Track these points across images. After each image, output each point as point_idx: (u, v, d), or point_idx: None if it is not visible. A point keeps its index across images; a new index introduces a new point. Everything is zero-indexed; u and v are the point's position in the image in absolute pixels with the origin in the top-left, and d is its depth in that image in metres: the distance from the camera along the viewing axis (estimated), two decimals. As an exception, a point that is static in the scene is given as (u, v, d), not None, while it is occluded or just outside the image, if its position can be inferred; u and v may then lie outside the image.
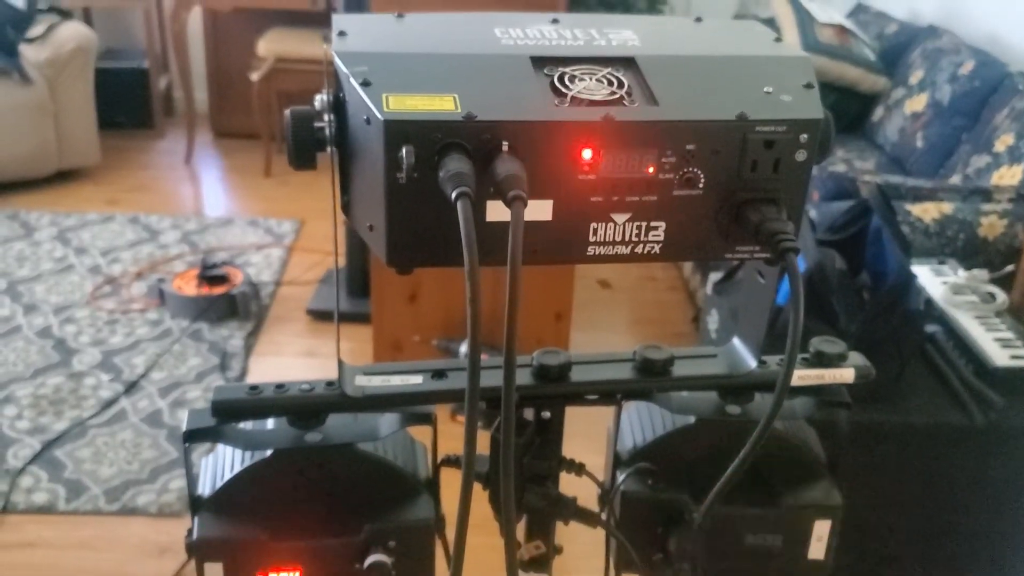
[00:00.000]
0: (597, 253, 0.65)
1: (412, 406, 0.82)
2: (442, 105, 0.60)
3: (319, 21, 4.05)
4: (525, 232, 0.59)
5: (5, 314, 2.99)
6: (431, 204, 0.61)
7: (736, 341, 0.85)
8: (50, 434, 2.45)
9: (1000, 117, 2.86)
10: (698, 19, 0.77)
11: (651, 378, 0.82)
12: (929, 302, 1.93)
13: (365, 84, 0.61)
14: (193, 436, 0.78)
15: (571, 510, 0.83)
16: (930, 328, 1.91)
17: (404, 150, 0.58)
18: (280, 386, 0.79)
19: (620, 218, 0.63)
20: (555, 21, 0.74)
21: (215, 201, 4.05)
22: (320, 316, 3.09)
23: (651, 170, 0.62)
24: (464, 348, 2.57)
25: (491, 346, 2.58)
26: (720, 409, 0.85)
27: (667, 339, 3.14)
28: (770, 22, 3.59)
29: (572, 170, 0.61)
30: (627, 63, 0.66)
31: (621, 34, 0.71)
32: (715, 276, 2.05)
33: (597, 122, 0.61)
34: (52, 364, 2.75)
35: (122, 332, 2.93)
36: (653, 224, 0.64)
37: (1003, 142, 2.80)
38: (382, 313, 2.66)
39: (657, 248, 0.65)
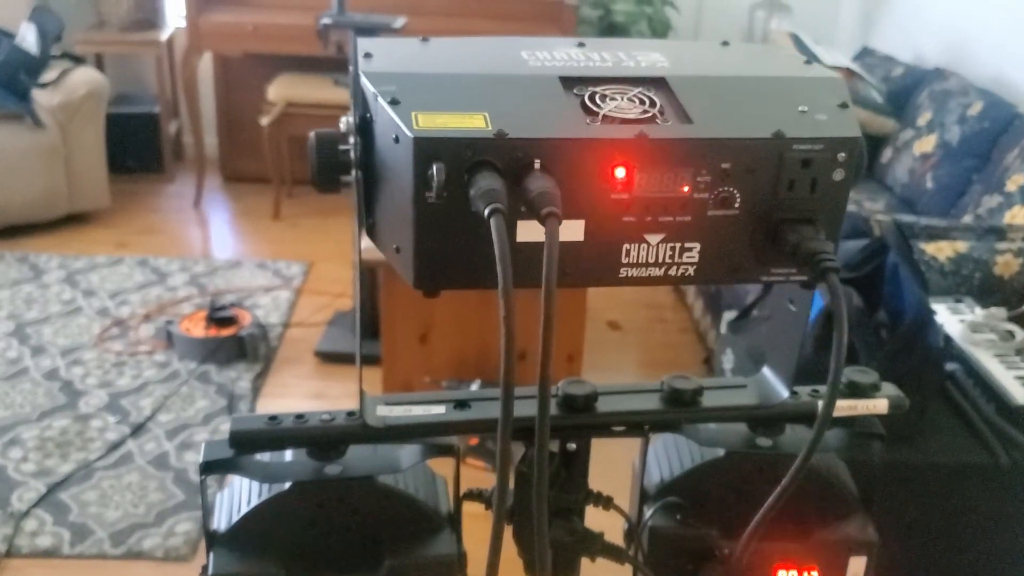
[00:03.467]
0: (629, 275, 0.63)
1: (434, 437, 0.80)
2: (472, 123, 0.59)
3: (328, 67, 4.08)
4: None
5: (13, 356, 2.97)
6: (460, 224, 0.60)
7: (766, 371, 0.83)
8: (56, 477, 2.42)
9: (1011, 157, 2.86)
10: (725, 43, 0.76)
11: (680, 409, 0.80)
12: (948, 340, 1.90)
13: (394, 103, 0.60)
14: (210, 468, 0.76)
15: (598, 546, 0.81)
16: (949, 366, 1.88)
17: (434, 168, 0.57)
18: (300, 416, 0.77)
19: (654, 239, 0.62)
20: (581, 45, 0.73)
21: (224, 244, 4.05)
22: (328, 358, 3.07)
23: (686, 189, 0.60)
24: (475, 388, 2.54)
25: (491, 382, 2.55)
26: (750, 441, 0.83)
27: (679, 381, 3.11)
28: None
29: (605, 189, 0.60)
30: (658, 83, 0.65)
31: (649, 56, 0.70)
32: (729, 315, 2.03)
33: (631, 139, 0.59)
34: (59, 406, 2.73)
35: (129, 374, 2.91)
36: (687, 245, 0.62)
37: (1015, 182, 2.79)
38: (393, 354, 2.64)
39: (691, 270, 0.63)
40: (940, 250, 2.38)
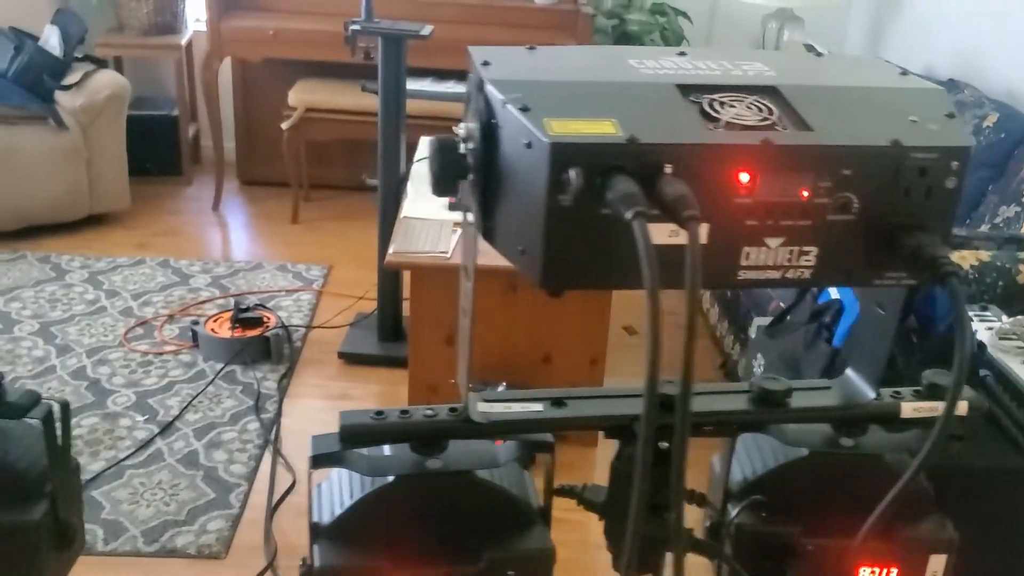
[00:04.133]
0: (747, 278, 0.66)
1: (532, 434, 0.82)
2: (603, 129, 0.61)
3: (348, 72, 4.10)
4: (677, 257, 0.60)
5: (39, 355, 2.99)
6: (589, 226, 0.62)
7: (850, 373, 0.85)
8: (86, 474, 2.44)
9: (1029, 168, 2.89)
10: (819, 54, 0.79)
11: (770, 409, 0.82)
12: (980, 346, 1.93)
13: (524, 109, 0.63)
14: (319, 461, 0.78)
15: (688, 542, 0.83)
16: (980, 372, 1.91)
17: (571, 172, 0.59)
18: (404, 411, 0.80)
19: (774, 242, 0.64)
20: (683, 54, 0.75)
21: (243, 246, 4.07)
22: (351, 359, 3.10)
23: (806, 194, 0.63)
24: (501, 390, 2.57)
25: (525, 388, 2.58)
26: (833, 441, 0.85)
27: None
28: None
29: (729, 193, 0.62)
30: (770, 91, 0.68)
31: (752, 65, 0.73)
32: (760, 320, 2.06)
33: (756, 145, 0.62)
34: (87, 404, 2.75)
35: (156, 373, 2.93)
36: (806, 249, 0.65)
37: (1033, 192, 2.82)
38: (419, 356, 2.66)
39: (807, 273, 0.66)
40: (963, 259, 2.40)
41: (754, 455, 0.88)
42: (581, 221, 0.63)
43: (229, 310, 3.18)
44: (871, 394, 0.82)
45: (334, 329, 3.26)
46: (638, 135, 0.61)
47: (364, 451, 0.82)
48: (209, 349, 3.01)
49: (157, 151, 4.47)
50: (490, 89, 0.66)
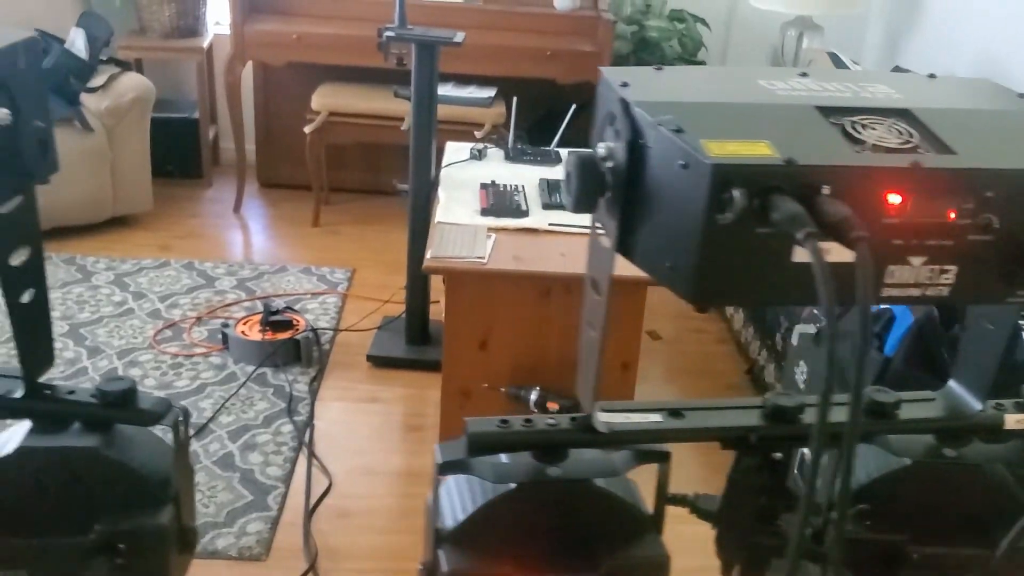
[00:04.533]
0: (890, 295, 0.68)
1: (649, 443, 0.84)
2: (760, 150, 0.64)
3: (370, 77, 4.13)
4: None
5: (70, 356, 3.01)
6: (743, 245, 0.65)
7: (954, 385, 0.87)
8: None
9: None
10: (932, 75, 0.81)
11: (880, 420, 0.84)
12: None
13: (678, 131, 0.65)
14: (447, 468, 0.80)
15: (800, 549, 0.85)
16: None
17: (734, 193, 0.62)
18: (528, 420, 0.82)
19: (917, 261, 0.67)
20: (804, 75, 0.78)
21: (265, 249, 4.08)
22: (380, 362, 3.11)
23: (952, 215, 0.65)
24: (534, 395, 2.59)
25: (557, 393, 2.60)
26: (937, 451, 0.88)
27: (721, 390, 3.16)
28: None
29: (878, 213, 0.65)
30: (903, 114, 0.70)
31: (877, 88, 0.75)
32: (804, 328, 2.08)
33: (906, 168, 0.64)
34: (121, 407, 2.76)
35: (187, 375, 2.95)
36: (946, 267, 0.67)
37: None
38: (453, 360, 2.68)
39: (946, 291, 0.68)
40: None
41: (858, 465, 0.90)
42: (734, 240, 0.65)
43: (258, 313, 3.20)
44: (977, 406, 0.85)
45: (361, 332, 3.28)
46: (795, 157, 0.63)
47: (484, 458, 0.84)
48: (240, 351, 3.03)
49: (177, 153, 4.49)
50: (638, 111, 0.68)
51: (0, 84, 0.71)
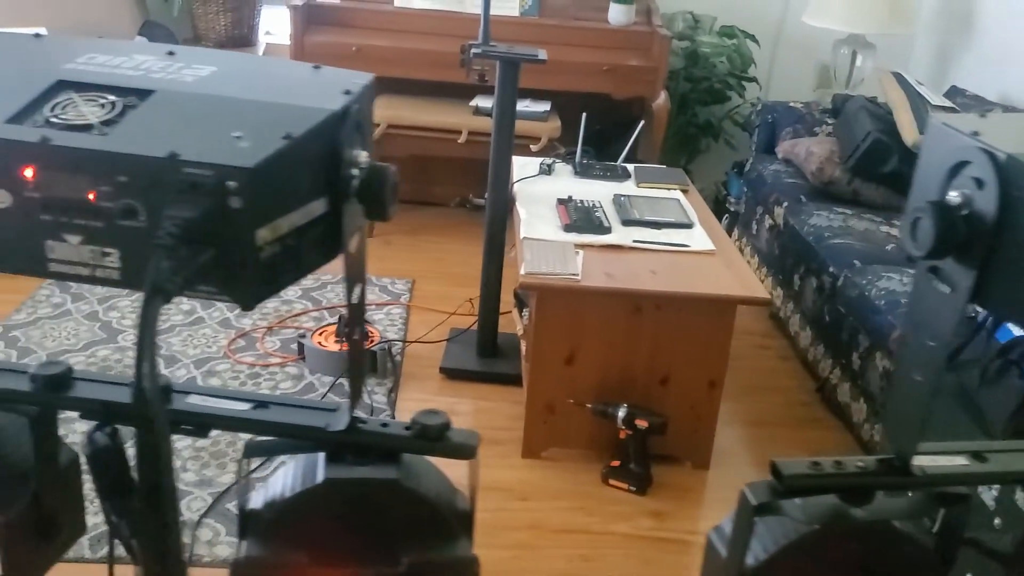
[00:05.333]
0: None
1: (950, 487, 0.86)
2: None
3: (425, 90, 4.17)
4: None
5: (148, 365, 3.02)
6: None
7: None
8: (218, 487, 2.47)
9: None
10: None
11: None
12: None
13: None
14: (761, 510, 0.82)
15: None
16: None
17: None
18: (838, 462, 0.83)
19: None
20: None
21: (322, 259, 4.10)
22: (452, 375, 3.14)
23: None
24: (623, 412, 2.61)
25: (646, 410, 2.62)
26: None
27: (794, 407, 3.19)
28: (880, 105, 3.69)
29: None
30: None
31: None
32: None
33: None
34: (205, 417, 2.78)
35: (266, 386, 2.97)
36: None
37: None
38: (538, 375, 2.70)
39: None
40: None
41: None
42: None
43: (332, 323, 3.22)
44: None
45: (430, 344, 3.31)
46: None
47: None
48: (316, 362, 3.05)
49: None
50: (1013, 162, 0.70)
51: (357, 125, 0.73)
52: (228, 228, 0.71)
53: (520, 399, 2.99)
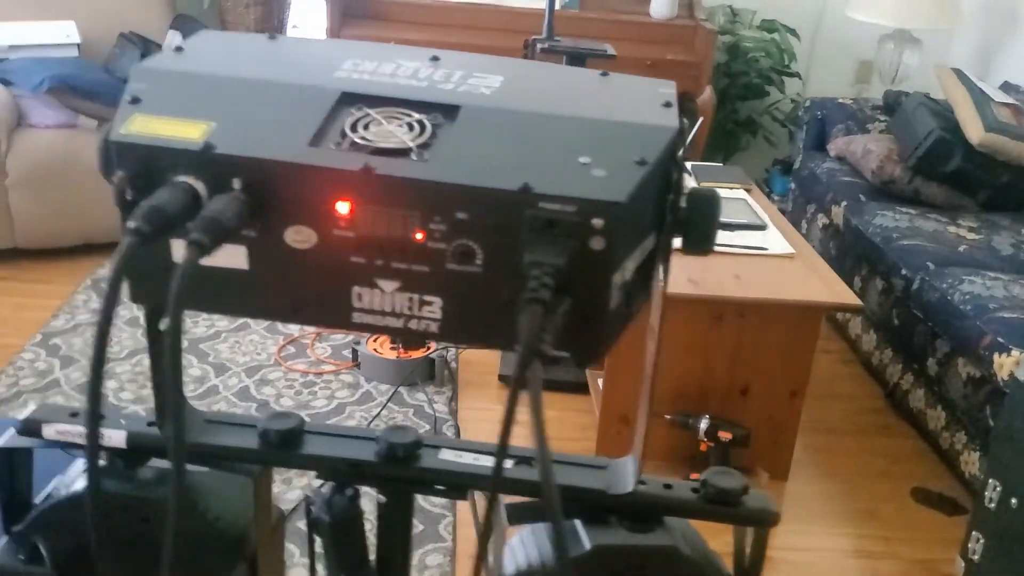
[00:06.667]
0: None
1: None
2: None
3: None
4: None
5: (197, 374, 2.91)
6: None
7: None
8: (284, 504, 2.36)
9: None
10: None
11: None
12: None
13: None
14: None
15: None
16: None
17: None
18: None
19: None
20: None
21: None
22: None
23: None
24: (704, 424, 2.51)
25: (728, 421, 2.52)
26: None
27: (864, 415, 3.10)
28: (938, 101, 3.60)
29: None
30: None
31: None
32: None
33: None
34: (263, 428, 2.67)
35: (322, 395, 2.86)
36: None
37: None
38: (613, 387, 2.60)
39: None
40: None
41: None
42: None
43: (383, 329, 3.11)
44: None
45: (483, 351, 3.20)
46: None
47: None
48: (373, 369, 2.94)
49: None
50: None
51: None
52: (586, 274, 0.59)
53: (585, 407, 2.90)
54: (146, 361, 2.89)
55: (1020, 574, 2.02)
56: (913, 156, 3.42)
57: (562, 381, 3.02)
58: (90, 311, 3.21)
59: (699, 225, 0.63)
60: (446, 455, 0.79)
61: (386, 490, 0.80)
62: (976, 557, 2.16)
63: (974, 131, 3.33)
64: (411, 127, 0.61)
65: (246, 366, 2.97)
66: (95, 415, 0.55)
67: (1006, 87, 3.97)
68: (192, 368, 2.94)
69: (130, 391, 2.76)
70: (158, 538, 0.80)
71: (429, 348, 3.00)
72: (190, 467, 0.79)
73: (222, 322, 3.23)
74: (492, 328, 0.63)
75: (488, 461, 0.79)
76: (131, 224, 0.55)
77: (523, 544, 0.82)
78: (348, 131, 0.61)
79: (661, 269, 0.65)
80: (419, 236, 0.59)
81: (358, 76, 0.66)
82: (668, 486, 0.80)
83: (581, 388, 2.96)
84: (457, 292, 0.61)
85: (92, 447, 0.56)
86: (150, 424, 0.80)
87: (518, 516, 0.80)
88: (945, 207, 3.43)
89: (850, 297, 2.46)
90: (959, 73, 3.55)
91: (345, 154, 0.60)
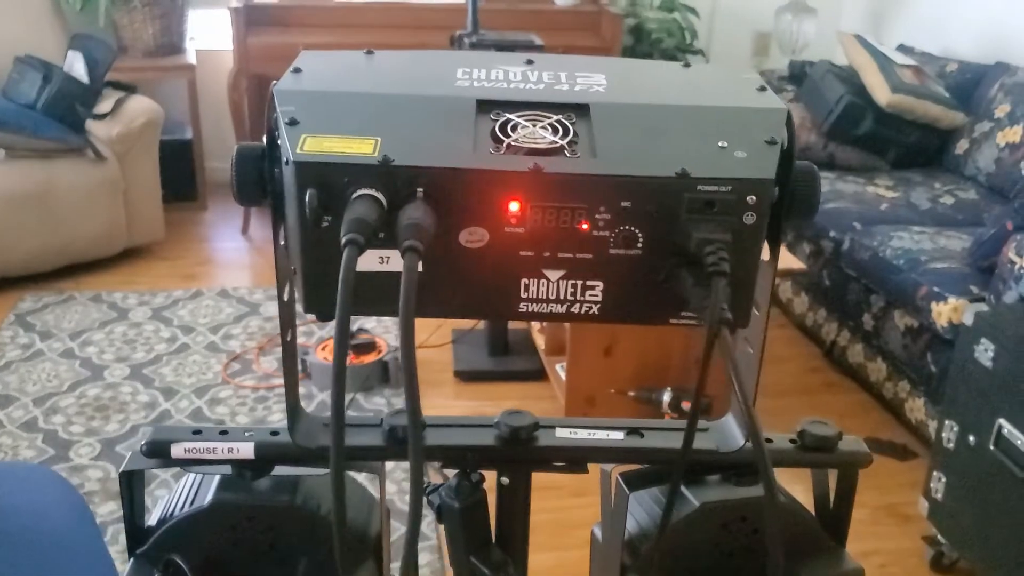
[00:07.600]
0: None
1: None
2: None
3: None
4: None
5: (145, 400, 2.82)
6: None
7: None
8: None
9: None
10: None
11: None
12: None
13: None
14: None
15: None
16: None
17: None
18: None
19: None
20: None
21: (288, 270, 3.92)
22: (467, 377, 3.04)
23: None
24: (667, 396, 2.57)
25: (689, 392, 2.57)
26: None
27: (806, 374, 3.20)
28: (843, 68, 3.74)
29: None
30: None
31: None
32: (976, 307, 2.12)
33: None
34: (225, 449, 2.60)
35: (277, 409, 2.80)
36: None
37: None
38: (577, 368, 2.63)
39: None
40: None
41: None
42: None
43: (329, 338, 3.07)
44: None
45: (434, 348, 3.19)
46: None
47: None
48: (324, 378, 2.90)
49: (171, 177, 4.26)
50: None
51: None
52: (741, 246, 0.63)
53: (547, 394, 2.92)
54: (91, 391, 2.80)
55: (982, 507, 2.13)
56: (826, 122, 3.55)
57: (518, 371, 3.03)
58: (20, 347, 3.07)
59: (808, 196, 0.67)
60: (562, 433, 0.81)
61: (508, 471, 0.81)
62: (939, 496, 2.26)
63: (881, 93, 3.47)
64: (554, 128, 0.65)
65: (194, 387, 2.90)
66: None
67: (903, 49, 4.15)
68: (140, 395, 2.84)
69: (79, 424, 2.66)
70: (285, 545, 0.80)
71: (380, 352, 2.98)
72: (308, 470, 0.79)
73: (160, 345, 3.13)
74: (647, 305, 0.67)
75: (602, 435, 0.81)
76: (348, 236, 0.58)
77: (639, 506, 0.84)
78: (500, 135, 0.63)
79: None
80: (584, 226, 0.63)
81: (479, 84, 0.69)
82: (769, 439, 0.83)
83: (538, 375, 2.98)
84: (619, 275, 0.65)
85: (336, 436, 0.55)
86: (273, 434, 0.79)
87: (633, 483, 0.82)
88: (860, 169, 3.58)
89: (795, 263, 2.55)
90: (861, 39, 3.69)
91: (511, 157, 0.62)
